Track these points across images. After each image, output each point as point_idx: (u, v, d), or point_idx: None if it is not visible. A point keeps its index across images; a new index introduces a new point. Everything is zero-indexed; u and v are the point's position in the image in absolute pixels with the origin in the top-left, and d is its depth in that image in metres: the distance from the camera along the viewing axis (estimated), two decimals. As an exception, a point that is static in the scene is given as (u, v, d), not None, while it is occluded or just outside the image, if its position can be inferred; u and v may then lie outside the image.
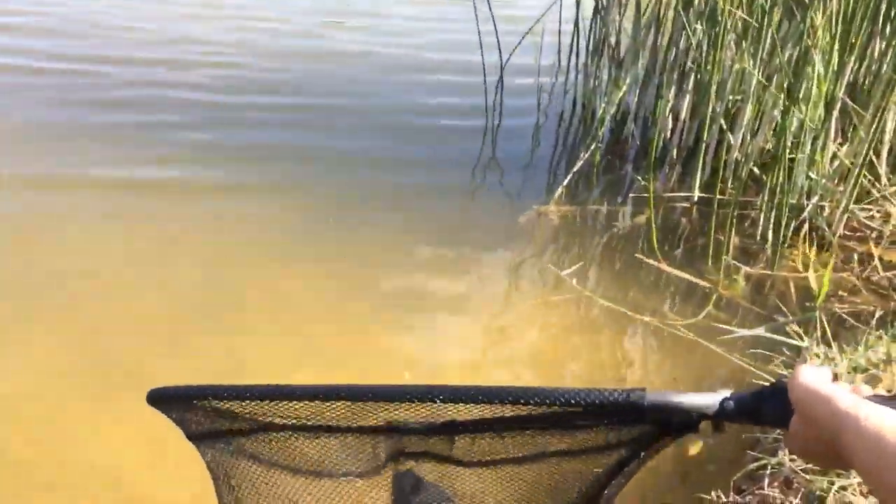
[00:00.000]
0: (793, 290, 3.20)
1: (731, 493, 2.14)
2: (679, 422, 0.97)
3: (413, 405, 1.03)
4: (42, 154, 3.90)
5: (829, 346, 2.41)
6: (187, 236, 3.36)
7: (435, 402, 1.01)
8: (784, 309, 3.00)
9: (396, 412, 1.05)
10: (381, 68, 5.38)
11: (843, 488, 1.93)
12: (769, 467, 2.09)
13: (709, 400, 0.98)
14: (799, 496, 1.98)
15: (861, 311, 2.95)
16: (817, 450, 0.86)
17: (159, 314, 2.87)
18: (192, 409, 1.14)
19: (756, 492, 2.06)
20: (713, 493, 2.15)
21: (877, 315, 2.71)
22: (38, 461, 2.27)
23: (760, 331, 2.73)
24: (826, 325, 2.55)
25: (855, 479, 1.92)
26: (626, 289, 3.24)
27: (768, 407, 0.96)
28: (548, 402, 0.97)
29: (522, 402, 0.98)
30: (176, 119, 4.36)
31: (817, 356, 2.43)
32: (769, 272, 3.29)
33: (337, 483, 1.20)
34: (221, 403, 1.10)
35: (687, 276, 3.27)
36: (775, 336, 2.63)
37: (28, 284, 2.95)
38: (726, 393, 0.98)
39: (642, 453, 1.01)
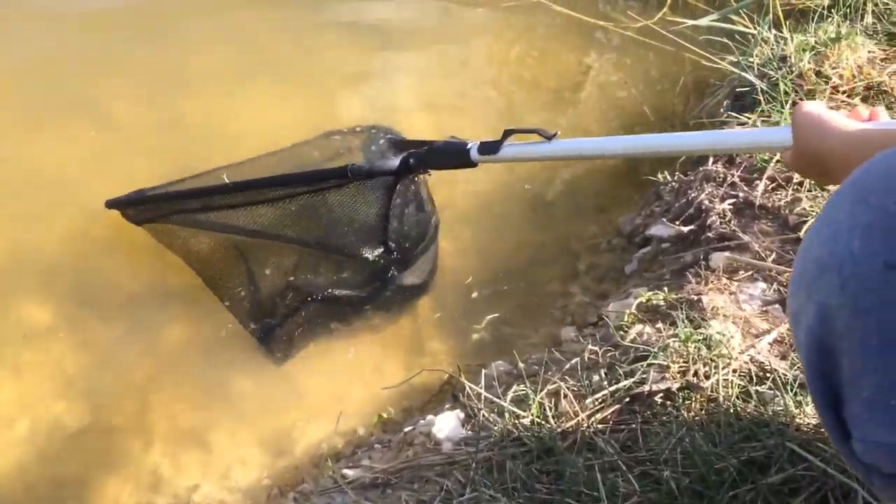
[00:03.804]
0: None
1: (677, 174, 2.22)
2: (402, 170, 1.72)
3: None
4: None
5: (780, 29, 2.39)
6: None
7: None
8: (740, 7, 2.94)
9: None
10: None
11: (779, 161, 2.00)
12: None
13: (394, 162, 1.70)
14: (741, 169, 2.06)
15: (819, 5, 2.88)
16: (812, 170, 1.05)
17: (98, 32, 2.76)
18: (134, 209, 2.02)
19: (700, 169, 2.14)
20: (660, 175, 2.24)
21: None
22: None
23: (708, 20, 2.68)
24: (779, 11, 2.52)
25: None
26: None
27: (444, 158, 1.64)
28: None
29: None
30: None
31: (765, 42, 2.42)
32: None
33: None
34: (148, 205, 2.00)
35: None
36: (725, 25, 2.60)
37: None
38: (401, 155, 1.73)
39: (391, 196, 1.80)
